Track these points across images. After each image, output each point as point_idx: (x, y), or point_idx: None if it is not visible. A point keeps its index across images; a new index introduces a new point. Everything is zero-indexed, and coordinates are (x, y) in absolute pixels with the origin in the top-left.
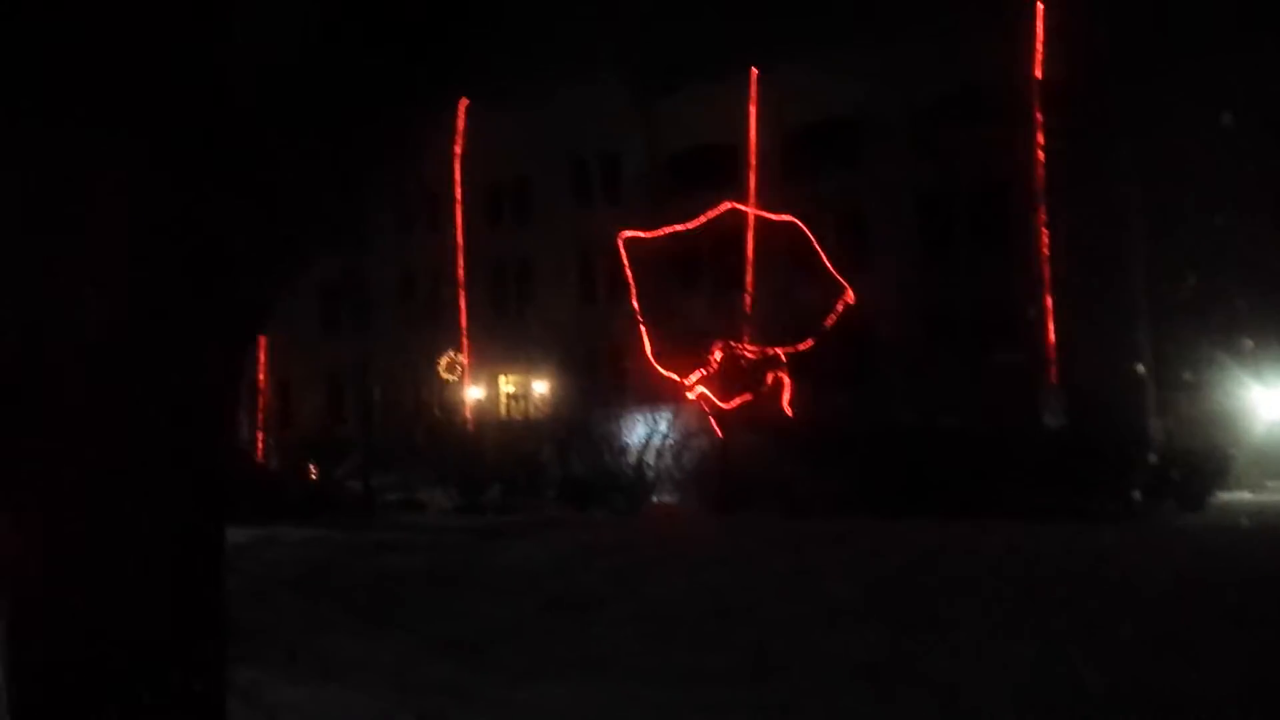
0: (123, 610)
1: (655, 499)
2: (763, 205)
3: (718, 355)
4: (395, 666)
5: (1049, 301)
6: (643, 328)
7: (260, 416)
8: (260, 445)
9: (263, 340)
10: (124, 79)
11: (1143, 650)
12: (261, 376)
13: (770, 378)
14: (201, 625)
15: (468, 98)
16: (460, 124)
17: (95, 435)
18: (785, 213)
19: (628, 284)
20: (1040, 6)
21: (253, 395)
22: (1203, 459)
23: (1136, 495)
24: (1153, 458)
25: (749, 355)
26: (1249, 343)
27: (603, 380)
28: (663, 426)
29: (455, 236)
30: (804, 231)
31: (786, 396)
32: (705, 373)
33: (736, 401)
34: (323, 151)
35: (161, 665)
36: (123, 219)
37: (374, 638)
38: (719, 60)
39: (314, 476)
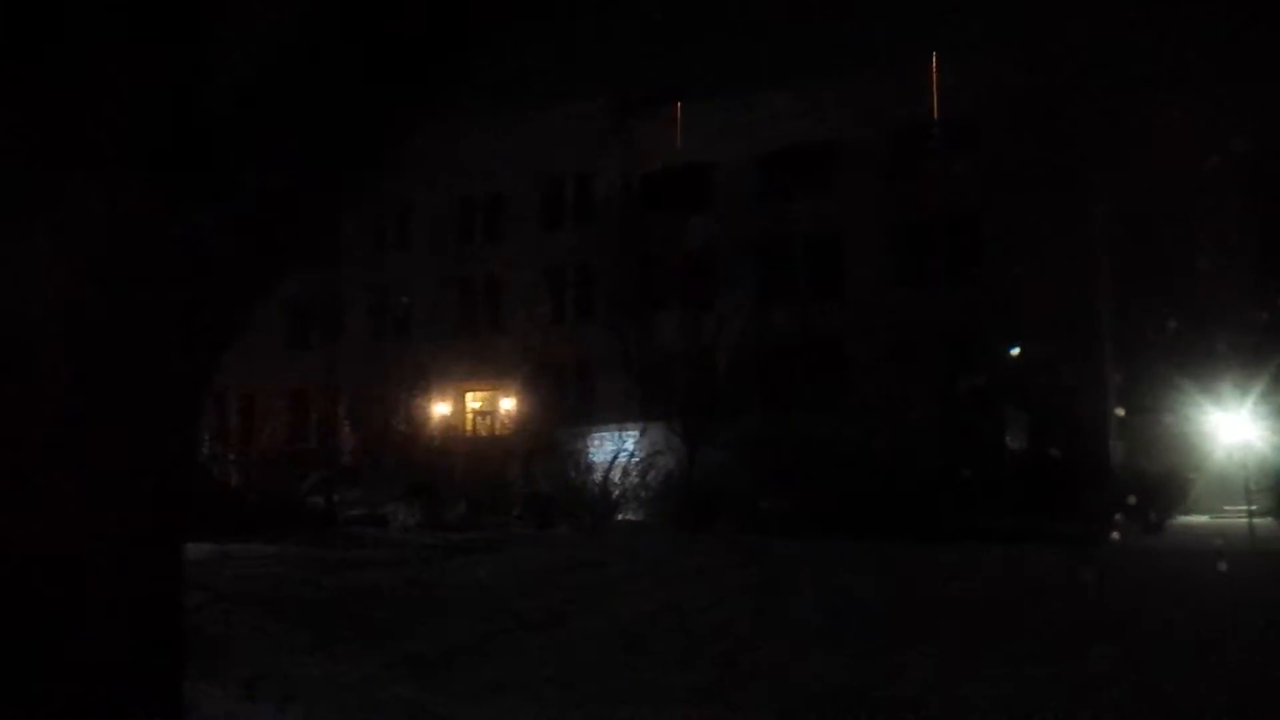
0: (77, 628)
1: (621, 516)
2: (736, 227)
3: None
4: (357, 685)
5: (1010, 325)
6: (611, 347)
7: (223, 429)
8: (221, 460)
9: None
10: (101, 84)
11: (1109, 675)
12: (225, 389)
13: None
14: (159, 644)
15: (445, 113)
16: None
17: (53, 445)
18: (758, 235)
19: (597, 301)
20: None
21: (215, 409)
22: (1163, 483)
23: (1097, 518)
24: (1113, 481)
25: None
26: (1208, 367)
27: (570, 398)
28: (629, 444)
29: (424, 252)
30: (777, 252)
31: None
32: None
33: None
34: (301, 164)
35: (117, 685)
36: (94, 226)
37: (336, 656)
38: (694, 83)
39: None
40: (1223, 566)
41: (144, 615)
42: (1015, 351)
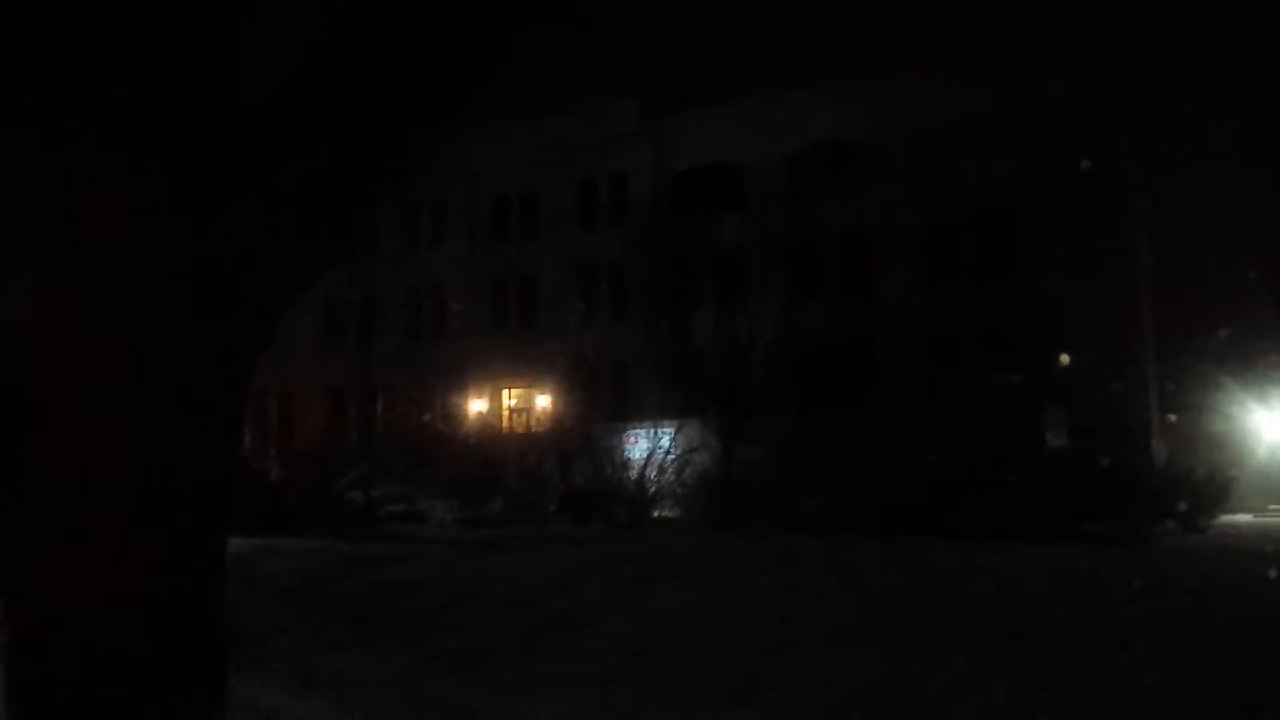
0: (122, 624)
1: (656, 513)
2: (768, 226)
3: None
4: (396, 680)
5: (1052, 323)
6: (645, 344)
7: (263, 427)
8: (262, 457)
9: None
10: (139, 82)
11: (1144, 683)
12: (265, 388)
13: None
14: (202, 639)
15: (479, 112)
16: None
17: (96, 446)
18: (789, 234)
19: (630, 300)
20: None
21: (255, 407)
22: (1205, 481)
23: (1139, 518)
24: (1155, 481)
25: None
26: (1250, 366)
27: (605, 395)
28: (665, 441)
29: (460, 250)
30: (808, 251)
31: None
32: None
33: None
34: (338, 158)
35: (161, 680)
36: (128, 228)
37: (374, 650)
38: (728, 82)
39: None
40: (1269, 570)
41: (187, 609)
42: (1064, 359)
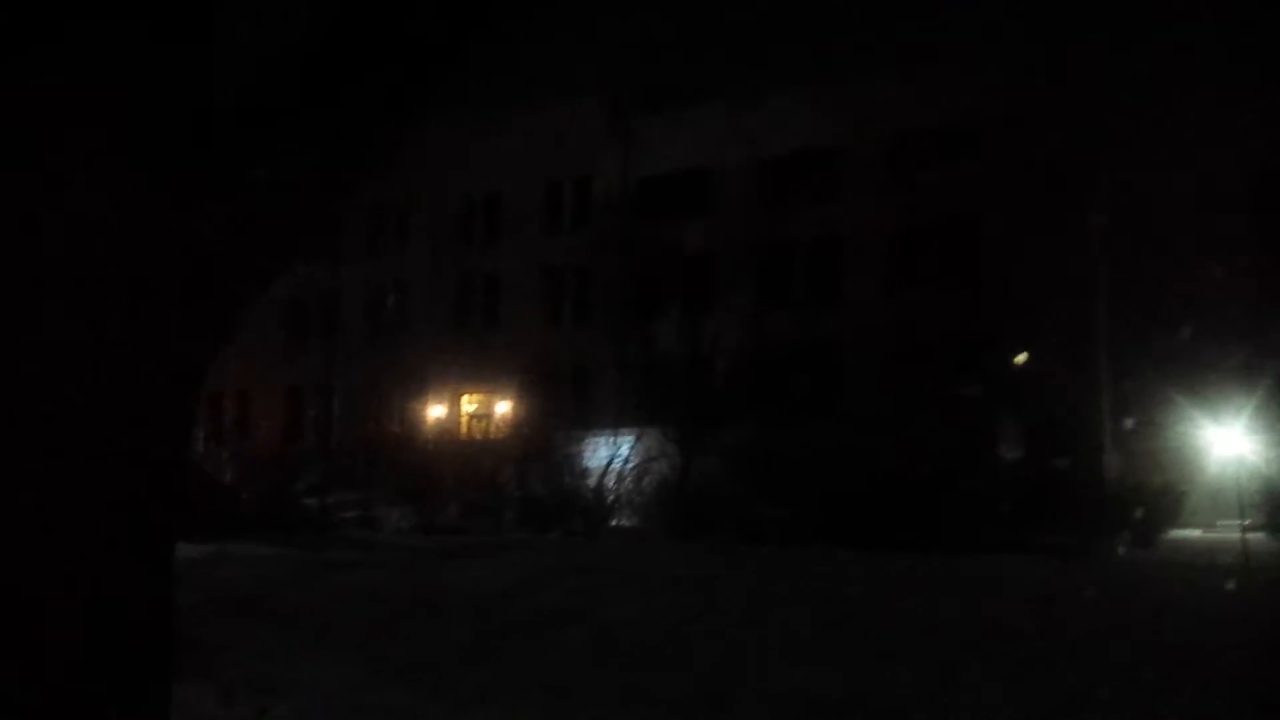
0: (62, 627)
1: (615, 523)
2: (734, 232)
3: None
4: (347, 689)
5: (1009, 336)
6: (608, 350)
7: (218, 428)
8: (216, 459)
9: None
10: (106, 78)
11: (1096, 687)
12: (221, 387)
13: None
14: (147, 645)
15: (446, 111)
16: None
17: (43, 441)
18: (756, 240)
19: (594, 305)
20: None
21: (211, 407)
22: (1156, 496)
23: (1091, 531)
24: (1108, 494)
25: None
26: (1204, 381)
27: (566, 402)
28: (624, 450)
29: (424, 251)
30: (776, 258)
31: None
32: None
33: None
34: (304, 159)
35: (103, 687)
36: (94, 216)
37: (325, 659)
38: (696, 86)
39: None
40: (1216, 581)
41: (132, 615)
42: (1020, 359)
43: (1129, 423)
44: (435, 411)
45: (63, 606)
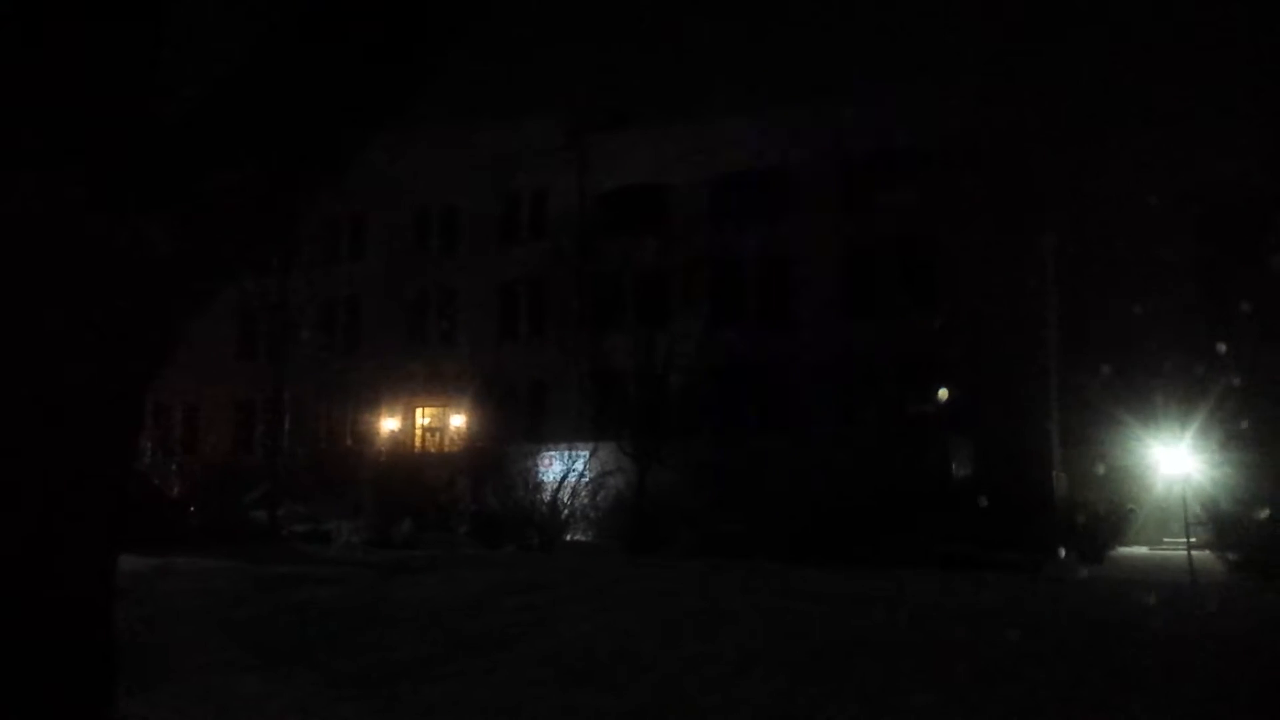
0: (5, 642)
1: (570, 537)
2: (690, 249)
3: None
4: (297, 704)
5: (960, 354)
6: (563, 365)
7: (166, 439)
8: (164, 470)
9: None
10: (49, 88)
11: (1041, 704)
12: (170, 398)
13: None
14: (90, 659)
15: (401, 124)
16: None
17: None
18: (710, 257)
19: (549, 319)
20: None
21: (159, 418)
22: (1104, 513)
23: (1039, 548)
24: (1055, 512)
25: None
26: (1149, 401)
27: (521, 416)
28: (579, 464)
29: (378, 263)
30: (729, 275)
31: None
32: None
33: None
34: (253, 172)
35: (45, 701)
36: (35, 228)
37: (274, 675)
38: (651, 105)
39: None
40: (1159, 598)
41: (74, 628)
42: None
43: (1076, 443)
44: (389, 424)
45: (4, 620)
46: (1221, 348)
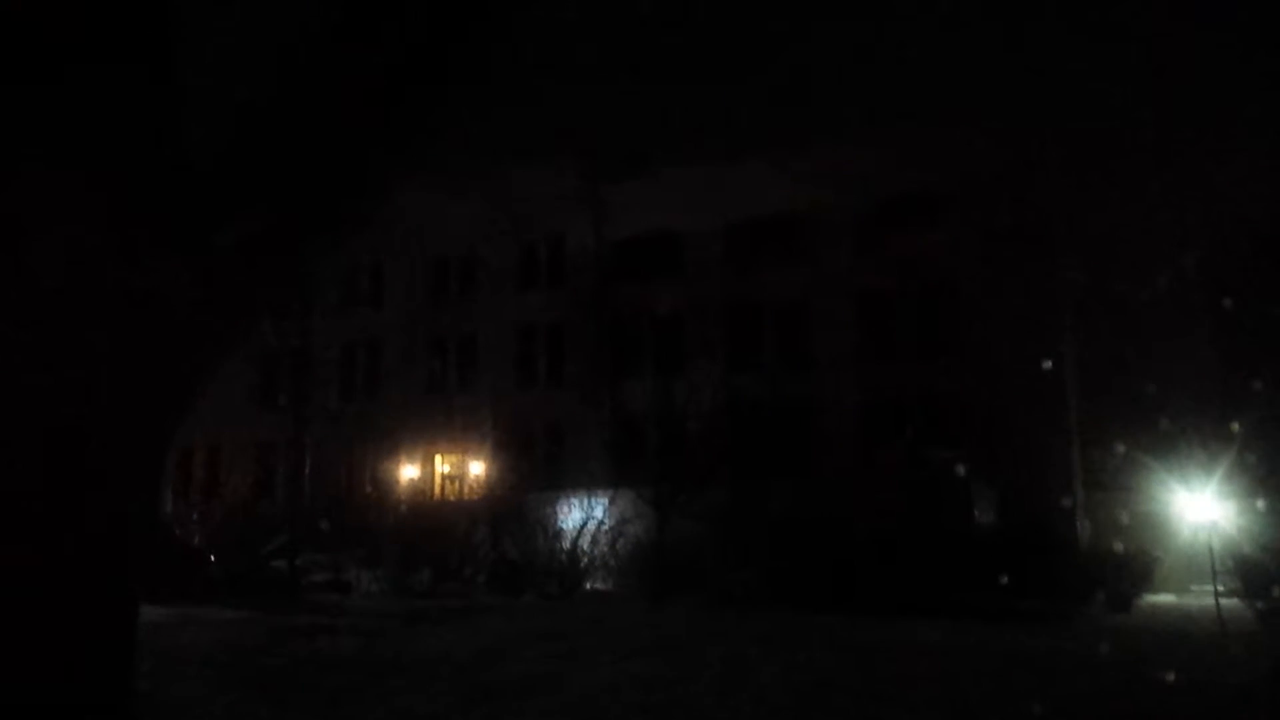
0: (22, 689)
1: (589, 585)
2: (707, 294)
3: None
4: None
5: (982, 399)
6: (581, 411)
7: (186, 485)
8: (185, 518)
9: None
10: (72, 132)
11: None
12: (192, 442)
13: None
14: (110, 709)
15: (420, 172)
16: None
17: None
18: (727, 302)
19: (567, 365)
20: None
21: (180, 463)
22: (1129, 561)
23: (1065, 596)
24: (1081, 559)
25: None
26: (1175, 447)
27: (540, 463)
28: (599, 511)
29: (397, 308)
30: (746, 321)
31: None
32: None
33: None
34: (274, 220)
35: None
36: (56, 275)
37: None
38: (670, 150)
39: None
40: (1191, 647)
41: (95, 679)
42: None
43: (1101, 489)
44: (408, 471)
45: (21, 670)
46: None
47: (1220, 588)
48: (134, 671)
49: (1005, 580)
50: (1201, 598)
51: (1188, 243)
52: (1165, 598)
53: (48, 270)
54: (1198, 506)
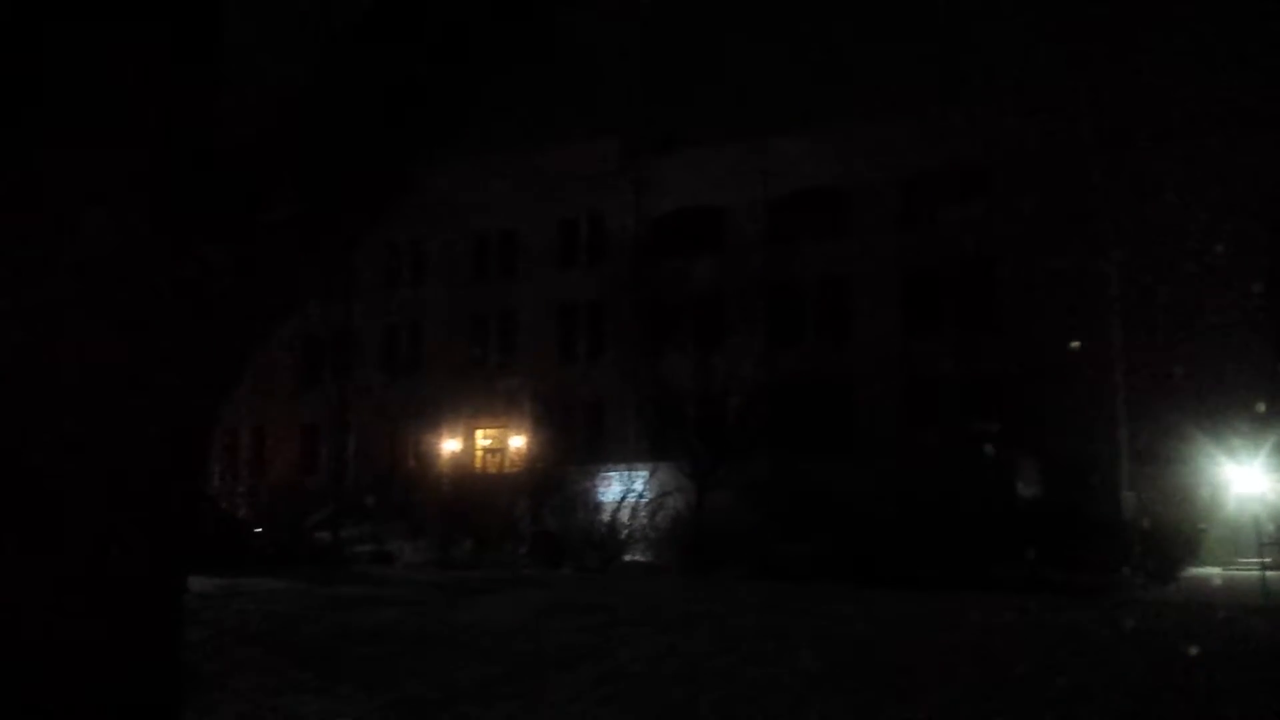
0: (75, 663)
1: (628, 557)
2: (747, 270)
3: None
4: None
5: (1026, 372)
6: (621, 386)
7: (233, 463)
8: (231, 493)
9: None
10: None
11: None
12: (238, 423)
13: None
14: (157, 679)
15: (459, 150)
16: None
17: (55, 481)
18: (768, 277)
19: (607, 341)
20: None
21: (227, 442)
22: (1174, 534)
23: (1109, 569)
24: (1125, 532)
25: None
26: (1221, 418)
27: (580, 437)
28: (638, 485)
29: (438, 287)
30: (787, 296)
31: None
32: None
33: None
34: (313, 205)
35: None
36: (106, 258)
37: (336, 696)
38: (710, 125)
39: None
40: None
41: (142, 649)
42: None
43: (1146, 462)
44: (450, 446)
45: (74, 641)
46: None
47: (1267, 560)
48: (181, 644)
49: (1047, 554)
50: (1246, 570)
51: (1240, 210)
52: (1211, 570)
53: (99, 241)
54: (1244, 479)
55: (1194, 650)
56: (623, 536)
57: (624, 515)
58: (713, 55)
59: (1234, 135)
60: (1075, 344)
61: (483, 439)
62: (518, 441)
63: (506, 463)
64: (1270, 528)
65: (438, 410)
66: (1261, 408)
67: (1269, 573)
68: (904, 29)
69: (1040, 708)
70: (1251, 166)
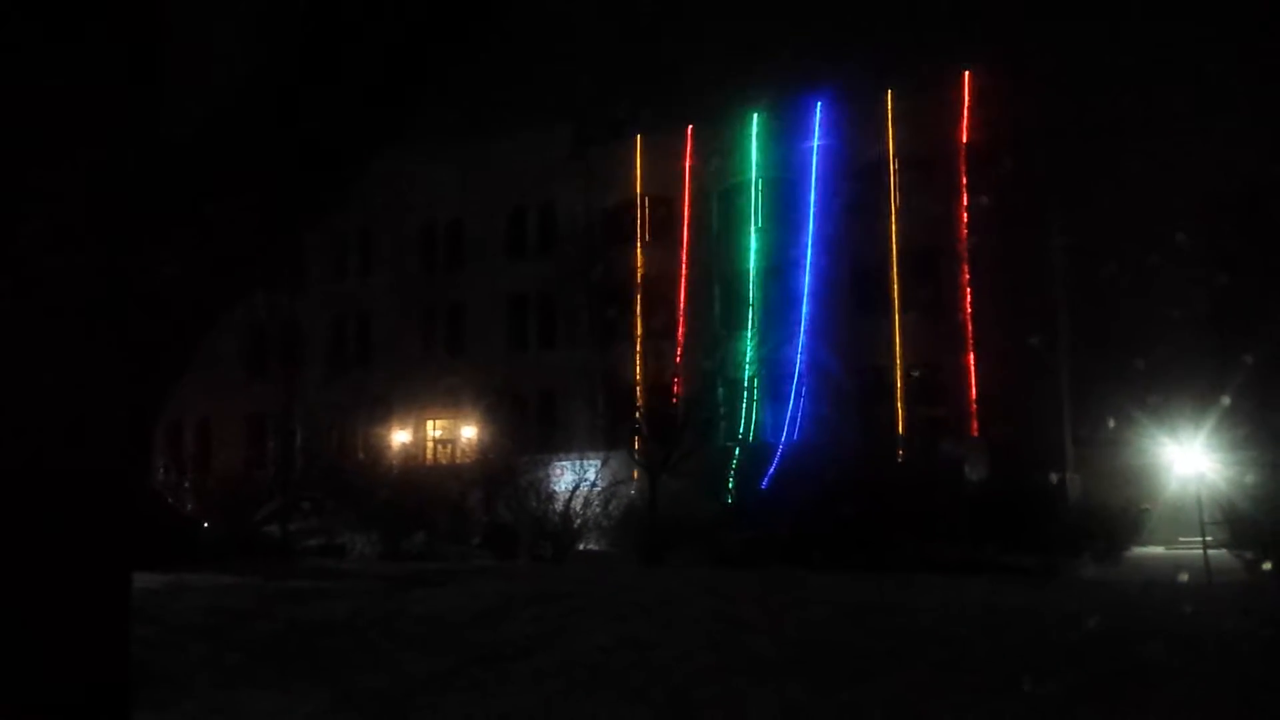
0: (18, 660)
1: (582, 546)
2: (694, 258)
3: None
4: None
5: (972, 358)
6: (573, 375)
7: (178, 456)
8: (177, 487)
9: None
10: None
11: (1061, 709)
12: (182, 415)
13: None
14: (105, 677)
15: (407, 140)
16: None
17: None
18: (720, 266)
19: (558, 330)
20: (968, 75)
21: (171, 434)
22: (1118, 514)
23: (1054, 550)
24: (1070, 513)
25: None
26: (1163, 400)
27: (532, 426)
28: (591, 474)
29: (386, 277)
30: (734, 283)
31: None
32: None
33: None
34: (257, 201)
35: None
36: (45, 251)
37: (286, 691)
38: (658, 116)
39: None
40: (1177, 598)
41: (89, 647)
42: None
43: (1090, 444)
44: (400, 437)
45: (15, 639)
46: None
47: (1208, 539)
48: (128, 640)
49: (995, 537)
50: (1190, 549)
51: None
52: (1154, 550)
53: (36, 254)
54: (1186, 459)
55: (1133, 629)
56: (577, 526)
57: (577, 505)
58: (660, 39)
59: (1186, 125)
60: (1032, 340)
61: (434, 430)
62: (469, 432)
63: (458, 454)
64: (1211, 507)
65: (387, 401)
66: (1202, 388)
67: (1210, 551)
68: (841, 10)
69: (989, 685)
70: (1201, 157)
